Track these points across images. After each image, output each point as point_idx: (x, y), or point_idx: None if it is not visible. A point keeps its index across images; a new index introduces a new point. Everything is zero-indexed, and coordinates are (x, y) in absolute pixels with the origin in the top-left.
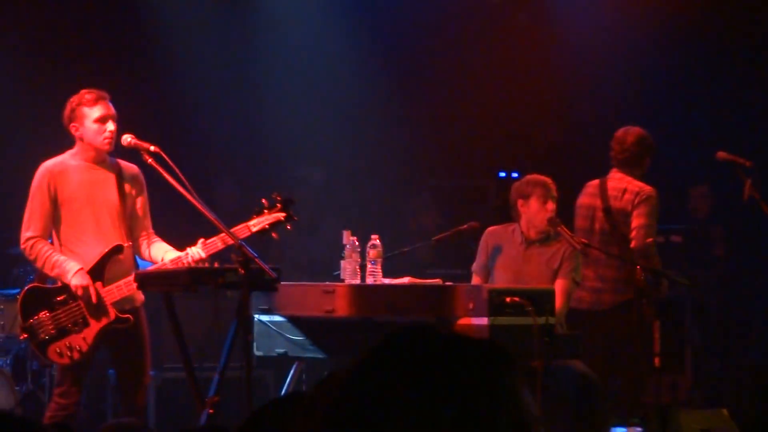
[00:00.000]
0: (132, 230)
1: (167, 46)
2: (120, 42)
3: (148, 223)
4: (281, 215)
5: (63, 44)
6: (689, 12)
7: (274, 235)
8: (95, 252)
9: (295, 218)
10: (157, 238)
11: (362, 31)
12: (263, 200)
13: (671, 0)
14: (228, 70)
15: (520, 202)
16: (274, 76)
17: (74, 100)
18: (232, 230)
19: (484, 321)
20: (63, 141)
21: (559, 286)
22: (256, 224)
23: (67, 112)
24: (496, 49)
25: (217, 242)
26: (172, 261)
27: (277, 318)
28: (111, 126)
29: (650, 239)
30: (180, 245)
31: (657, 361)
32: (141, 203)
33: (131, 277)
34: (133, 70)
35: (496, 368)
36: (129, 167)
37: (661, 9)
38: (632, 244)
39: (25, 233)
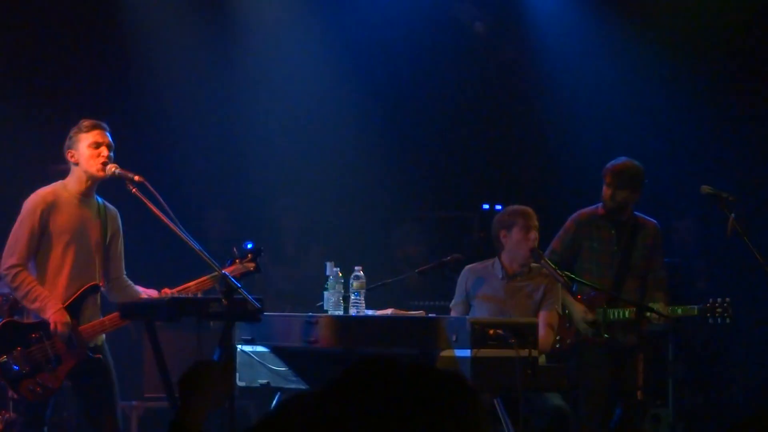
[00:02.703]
0: (106, 271)
1: (154, 78)
2: (106, 74)
3: (122, 265)
4: (251, 266)
5: (48, 77)
6: (672, 45)
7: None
8: (71, 287)
9: (261, 270)
10: (129, 282)
11: (347, 64)
12: (234, 249)
13: (654, 34)
14: (214, 102)
15: (502, 233)
16: (260, 107)
17: (73, 128)
18: (205, 278)
19: (466, 353)
20: (42, 173)
21: (543, 318)
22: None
23: (66, 141)
24: (481, 82)
25: (190, 288)
26: None
27: (260, 348)
28: (105, 152)
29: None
30: (164, 276)
31: (640, 394)
32: (119, 245)
33: (107, 317)
34: (119, 101)
35: (458, 401)
36: (111, 208)
37: (645, 43)
38: None
39: (10, 259)
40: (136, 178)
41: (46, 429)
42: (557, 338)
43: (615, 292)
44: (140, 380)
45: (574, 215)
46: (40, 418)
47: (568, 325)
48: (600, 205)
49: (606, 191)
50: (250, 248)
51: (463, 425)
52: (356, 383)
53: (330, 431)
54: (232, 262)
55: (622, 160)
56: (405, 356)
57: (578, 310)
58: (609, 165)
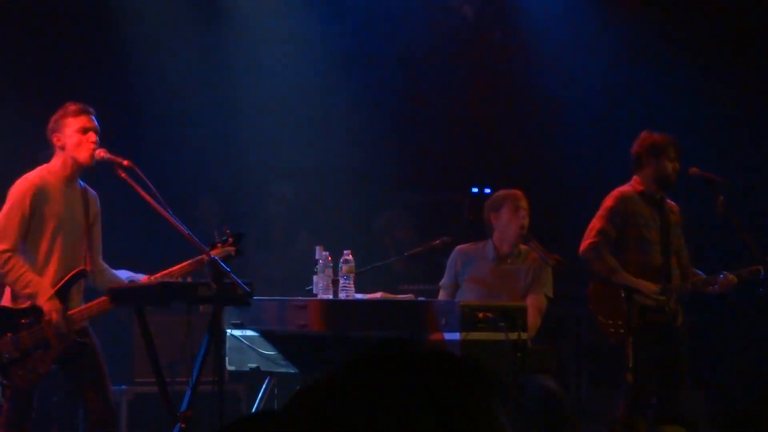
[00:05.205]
0: (92, 255)
1: (145, 64)
2: (97, 58)
3: (100, 249)
4: (232, 249)
5: (38, 61)
6: (664, 28)
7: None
8: (60, 272)
9: (243, 253)
10: (106, 266)
11: (335, 49)
12: (215, 233)
13: (646, 16)
14: (204, 87)
15: (492, 214)
16: (250, 91)
17: (59, 111)
18: (186, 263)
19: (456, 336)
20: (33, 156)
21: (531, 301)
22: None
23: (50, 123)
24: (470, 65)
25: (173, 273)
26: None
27: (250, 333)
28: (93, 137)
29: (587, 241)
30: (150, 261)
31: (629, 376)
32: (98, 230)
33: (95, 302)
34: (110, 87)
35: (475, 387)
36: (91, 192)
37: (637, 24)
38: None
39: (0, 245)
40: (125, 162)
41: (33, 415)
42: (619, 323)
43: (665, 266)
44: (130, 365)
45: (616, 194)
46: (28, 403)
47: (626, 308)
48: (632, 183)
49: (667, 165)
50: (230, 232)
51: (480, 413)
52: (371, 364)
53: (341, 414)
54: (213, 246)
55: (663, 134)
56: (426, 341)
57: (646, 285)
58: (666, 137)
